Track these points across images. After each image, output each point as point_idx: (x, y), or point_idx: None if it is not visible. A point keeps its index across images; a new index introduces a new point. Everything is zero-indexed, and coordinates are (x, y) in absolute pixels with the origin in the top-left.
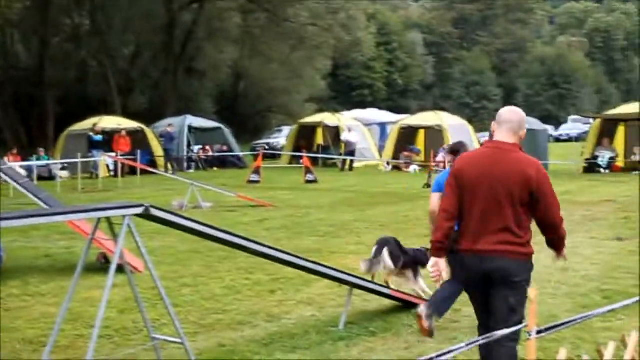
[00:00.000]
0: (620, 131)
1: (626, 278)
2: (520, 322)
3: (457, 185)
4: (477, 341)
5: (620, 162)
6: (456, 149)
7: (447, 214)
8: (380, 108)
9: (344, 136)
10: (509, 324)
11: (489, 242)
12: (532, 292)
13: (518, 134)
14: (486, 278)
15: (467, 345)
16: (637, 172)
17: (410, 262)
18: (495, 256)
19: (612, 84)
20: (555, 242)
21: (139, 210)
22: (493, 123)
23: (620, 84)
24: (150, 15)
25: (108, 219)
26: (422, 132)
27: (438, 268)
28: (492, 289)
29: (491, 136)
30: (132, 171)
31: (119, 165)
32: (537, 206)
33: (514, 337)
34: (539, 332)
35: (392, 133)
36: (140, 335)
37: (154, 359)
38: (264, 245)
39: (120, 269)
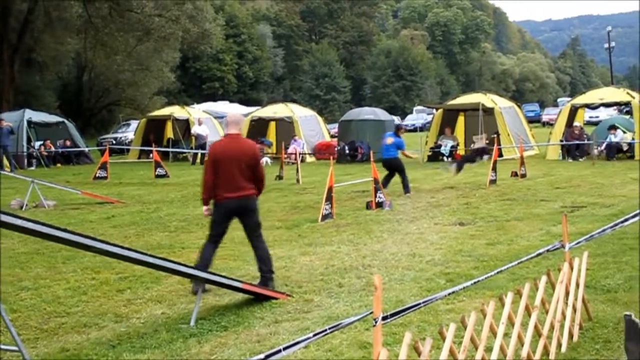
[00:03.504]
0: (460, 121)
1: (467, 261)
2: (260, 228)
3: (214, 164)
4: (325, 331)
5: (461, 150)
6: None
7: (211, 181)
8: (231, 101)
9: (195, 129)
10: (259, 230)
11: (240, 190)
12: (376, 278)
13: (239, 127)
14: (236, 211)
15: (315, 335)
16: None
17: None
18: (246, 198)
19: (452, 76)
20: (260, 187)
21: None
22: (226, 120)
23: (459, 76)
24: None
25: None
26: (273, 124)
27: (210, 209)
28: (243, 216)
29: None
30: None
31: None
32: (254, 168)
33: (262, 237)
34: (384, 318)
35: (243, 125)
36: None
37: None
38: (108, 243)
39: None
